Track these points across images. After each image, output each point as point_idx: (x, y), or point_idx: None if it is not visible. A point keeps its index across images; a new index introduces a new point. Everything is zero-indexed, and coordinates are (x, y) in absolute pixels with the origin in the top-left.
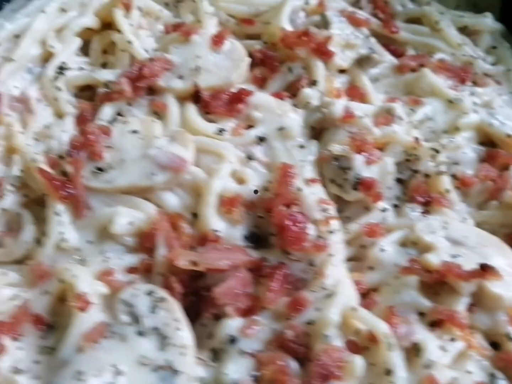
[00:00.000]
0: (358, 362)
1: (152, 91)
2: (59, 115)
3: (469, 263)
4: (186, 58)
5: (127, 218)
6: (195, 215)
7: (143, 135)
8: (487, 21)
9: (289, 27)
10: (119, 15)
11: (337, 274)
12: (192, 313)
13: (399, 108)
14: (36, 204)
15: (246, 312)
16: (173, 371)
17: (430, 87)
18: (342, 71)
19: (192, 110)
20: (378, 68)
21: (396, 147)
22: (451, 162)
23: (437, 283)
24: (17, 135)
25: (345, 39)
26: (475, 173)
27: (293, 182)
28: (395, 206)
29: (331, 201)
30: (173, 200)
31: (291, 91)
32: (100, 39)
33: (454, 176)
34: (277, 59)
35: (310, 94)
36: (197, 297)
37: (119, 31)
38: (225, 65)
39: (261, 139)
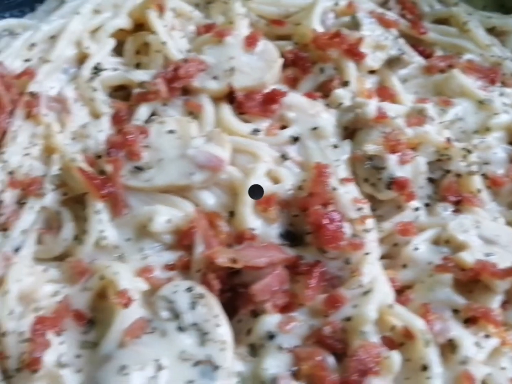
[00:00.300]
0: (395, 357)
1: (186, 91)
2: (95, 115)
3: (503, 262)
4: (220, 59)
5: (166, 216)
6: (231, 214)
7: (180, 135)
8: None
9: (320, 28)
10: (153, 17)
11: (373, 272)
12: (228, 309)
13: (430, 108)
14: (74, 202)
15: (284, 309)
16: (213, 366)
17: (460, 88)
18: (371, 71)
19: (227, 110)
20: (407, 69)
21: (428, 147)
22: (482, 162)
23: (471, 281)
24: (55, 135)
25: (376, 40)
26: (505, 172)
27: (328, 182)
28: (427, 205)
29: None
30: (210, 199)
31: (322, 91)
32: (133, 40)
33: (484, 176)
34: (308, 60)
35: (342, 95)
36: (233, 294)
37: (152, 32)
38: (259, 66)
39: (295, 139)
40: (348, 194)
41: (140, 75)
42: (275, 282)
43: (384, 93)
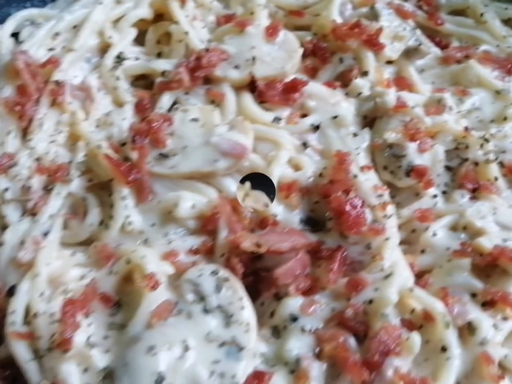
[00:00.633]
0: (415, 338)
1: (208, 80)
2: (118, 103)
3: None
4: (241, 49)
5: (190, 202)
6: None
7: (203, 123)
8: None
9: (339, 19)
10: (175, 7)
11: (394, 257)
12: (251, 292)
13: (448, 98)
14: (99, 188)
15: (306, 292)
16: (238, 347)
17: (477, 78)
18: (389, 62)
19: (248, 99)
20: (424, 59)
21: (447, 136)
22: (499, 150)
23: (489, 266)
24: (80, 123)
25: (394, 31)
26: None
27: (349, 169)
28: (444, 192)
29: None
30: (233, 185)
31: (342, 81)
32: (155, 29)
33: (501, 164)
34: (327, 50)
35: (362, 84)
36: (256, 277)
37: (173, 21)
38: (280, 55)
39: (315, 127)
40: (369, 181)
41: (162, 65)
42: (297, 266)
43: (402, 83)
